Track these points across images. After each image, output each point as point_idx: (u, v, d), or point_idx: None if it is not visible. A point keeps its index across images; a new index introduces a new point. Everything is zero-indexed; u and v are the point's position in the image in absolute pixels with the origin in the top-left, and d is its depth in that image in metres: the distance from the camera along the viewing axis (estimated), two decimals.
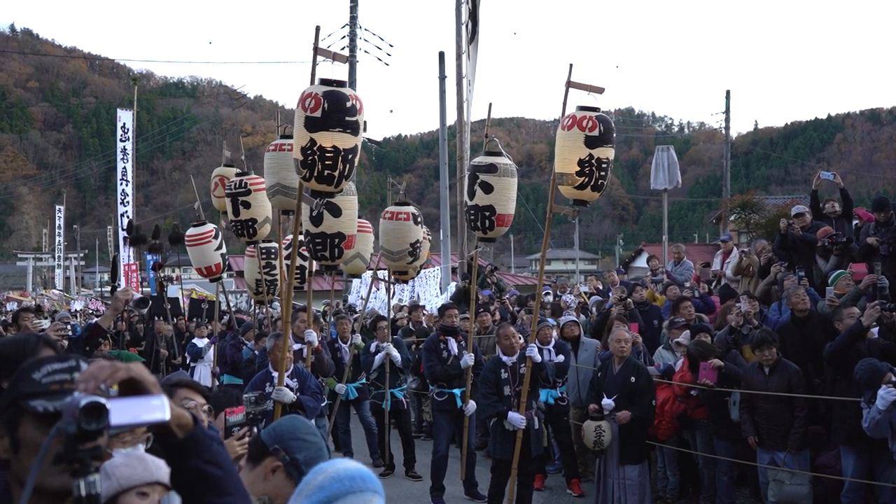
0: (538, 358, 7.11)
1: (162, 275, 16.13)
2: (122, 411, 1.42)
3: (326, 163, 5.52)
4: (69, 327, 7.85)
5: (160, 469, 2.06)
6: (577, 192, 6.43)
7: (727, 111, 34.12)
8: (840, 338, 6.69)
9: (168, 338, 14.23)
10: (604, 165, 6.35)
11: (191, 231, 9.95)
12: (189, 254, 10.07)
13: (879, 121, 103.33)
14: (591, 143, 6.29)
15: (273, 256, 9.74)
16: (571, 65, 6.57)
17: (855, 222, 10.40)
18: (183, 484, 1.69)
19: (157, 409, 1.49)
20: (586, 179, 6.33)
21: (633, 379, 7.28)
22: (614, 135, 6.45)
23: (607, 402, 7.32)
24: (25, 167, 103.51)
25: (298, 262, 8.78)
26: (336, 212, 7.17)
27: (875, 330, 6.71)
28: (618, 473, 7.29)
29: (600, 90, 6.48)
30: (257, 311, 11.58)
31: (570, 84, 6.56)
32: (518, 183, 7.60)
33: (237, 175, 8.57)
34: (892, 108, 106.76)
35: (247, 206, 8.34)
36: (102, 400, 1.39)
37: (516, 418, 7.08)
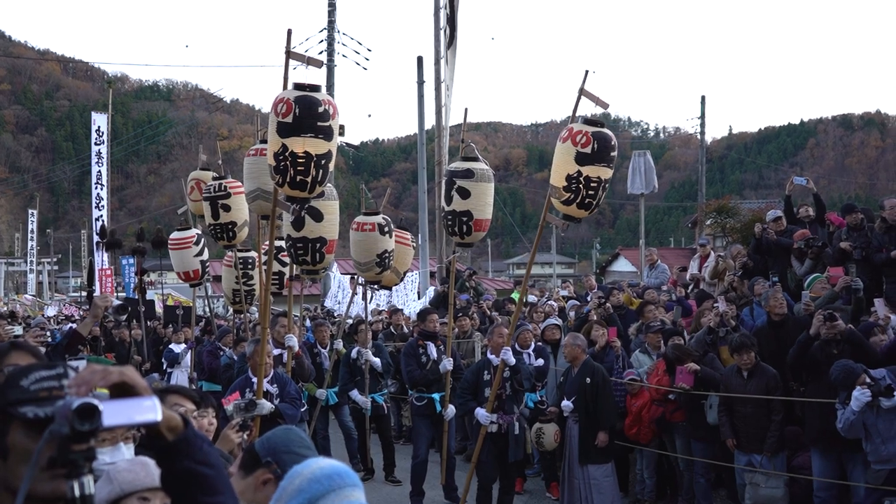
0: (512, 360, 7.17)
1: (147, 279, 16.06)
2: (115, 412, 1.45)
3: (298, 168, 5.51)
4: (48, 334, 7.78)
5: None
6: (563, 207, 6.20)
7: (702, 116, 34.45)
8: (793, 348, 6.88)
9: (138, 342, 14.06)
10: (593, 184, 6.01)
11: (174, 235, 9.93)
12: (171, 257, 10.04)
13: (851, 126, 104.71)
14: (581, 159, 5.97)
15: (251, 266, 9.70)
16: (587, 71, 6.22)
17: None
18: (175, 484, 1.71)
19: (149, 410, 1.51)
20: (572, 196, 6.05)
21: (588, 379, 7.50)
22: (614, 154, 6.08)
23: (566, 403, 7.61)
24: None
25: (277, 267, 8.78)
26: (317, 216, 7.16)
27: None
28: (582, 473, 7.43)
29: (605, 105, 6.21)
30: (235, 317, 11.53)
31: (582, 91, 6.23)
32: (496, 187, 7.61)
33: (215, 179, 8.53)
34: (863, 114, 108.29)
35: (227, 209, 8.31)
36: (95, 401, 1.41)
37: (481, 415, 7.19)
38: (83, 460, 1.41)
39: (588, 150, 5.93)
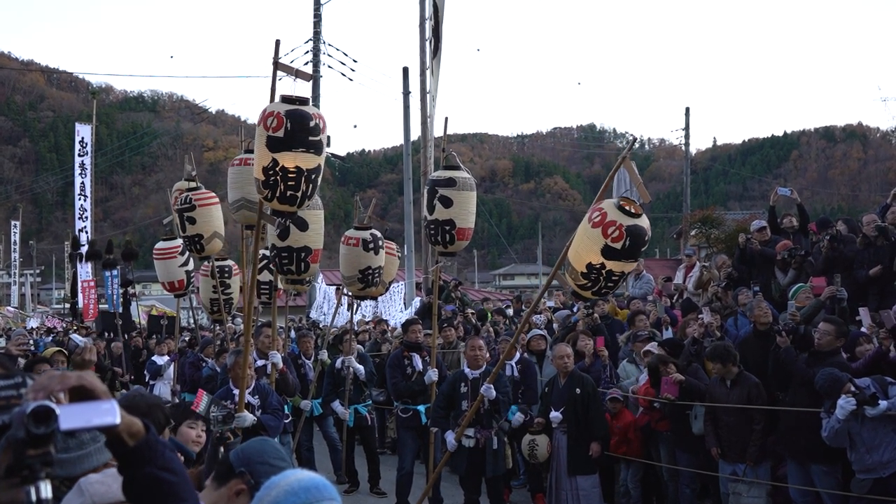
0: (493, 395, 7.06)
1: (131, 290, 16.00)
2: (72, 415, 1.42)
3: (289, 183, 5.42)
4: (30, 342, 7.72)
5: None
6: (576, 287, 5.63)
7: (686, 128, 34.75)
8: (770, 359, 7.05)
9: (117, 356, 13.91)
10: (614, 278, 5.42)
11: (159, 245, 9.88)
12: (156, 267, 9.96)
13: (833, 138, 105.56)
14: (609, 253, 5.26)
15: (227, 275, 9.62)
16: (635, 138, 5.99)
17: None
18: (138, 491, 1.67)
19: (108, 412, 1.48)
20: (589, 284, 5.46)
21: (577, 390, 7.50)
22: (643, 248, 5.42)
23: (555, 414, 7.58)
24: None
25: (268, 277, 8.72)
26: (303, 226, 7.13)
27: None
28: (569, 484, 7.42)
29: (647, 198, 5.88)
30: (217, 328, 11.45)
31: (624, 162, 5.76)
32: (482, 198, 7.59)
33: (187, 190, 8.48)
34: (846, 126, 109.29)
35: (192, 221, 8.23)
36: (51, 404, 1.38)
37: (449, 441, 7.18)
38: (40, 465, 1.38)
39: (618, 245, 5.22)
